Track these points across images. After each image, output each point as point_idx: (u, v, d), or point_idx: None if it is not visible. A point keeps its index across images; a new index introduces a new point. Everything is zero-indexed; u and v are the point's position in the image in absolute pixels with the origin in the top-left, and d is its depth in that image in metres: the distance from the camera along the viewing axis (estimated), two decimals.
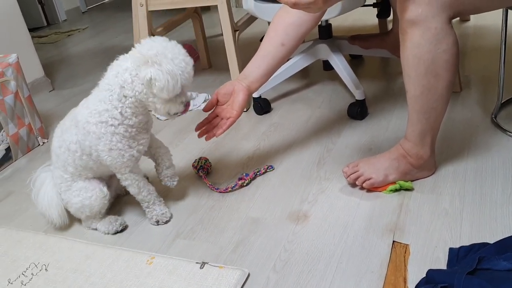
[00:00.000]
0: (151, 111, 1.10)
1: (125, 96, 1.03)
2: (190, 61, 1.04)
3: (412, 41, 1.03)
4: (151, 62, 0.99)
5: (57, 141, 1.16)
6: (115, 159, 1.09)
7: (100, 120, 1.05)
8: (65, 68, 2.73)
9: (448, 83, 1.07)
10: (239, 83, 1.22)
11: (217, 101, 1.23)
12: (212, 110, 1.24)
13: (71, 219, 1.27)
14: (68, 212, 1.23)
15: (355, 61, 2.09)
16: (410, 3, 0.99)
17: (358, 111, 1.57)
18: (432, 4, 0.98)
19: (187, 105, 1.09)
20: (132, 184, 1.16)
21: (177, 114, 1.08)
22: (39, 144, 1.77)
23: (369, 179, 1.18)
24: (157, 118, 1.82)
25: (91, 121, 1.06)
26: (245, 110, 1.78)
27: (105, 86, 1.05)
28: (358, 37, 1.81)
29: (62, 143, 1.14)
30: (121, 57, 1.05)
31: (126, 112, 1.05)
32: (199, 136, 1.24)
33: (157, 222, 1.20)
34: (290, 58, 1.76)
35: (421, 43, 1.01)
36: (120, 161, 1.09)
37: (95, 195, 1.17)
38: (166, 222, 1.20)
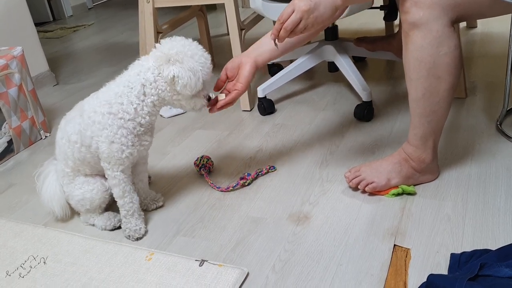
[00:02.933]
0: (156, 115, 1.11)
1: (145, 95, 1.05)
2: (208, 56, 1.07)
3: (413, 43, 1.03)
4: (173, 61, 1.02)
5: (60, 132, 1.16)
6: (113, 153, 1.07)
7: (109, 111, 1.05)
8: (70, 63, 2.73)
9: (450, 86, 1.06)
10: (246, 56, 1.20)
11: (227, 77, 1.21)
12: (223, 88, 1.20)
13: (72, 213, 1.26)
14: (70, 205, 1.23)
15: (358, 64, 2.09)
16: (412, 5, 0.99)
17: (365, 112, 1.56)
18: (433, 7, 0.98)
19: (209, 99, 1.12)
20: (118, 185, 1.12)
21: (201, 109, 1.11)
22: (42, 138, 1.77)
23: (371, 183, 1.17)
24: (160, 115, 1.82)
25: (99, 111, 1.06)
26: (249, 109, 1.78)
27: (124, 82, 1.06)
28: (364, 39, 1.81)
29: (64, 134, 1.14)
30: (143, 57, 1.07)
31: (142, 110, 1.06)
32: (207, 106, 1.16)
33: (128, 237, 1.15)
34: (295, 59, 1.76)
35: (423, 45, 1.01)
36: (117, 156, 1.07)
37: (96, 188, 1.16)
38: (138, 239, 1.14)
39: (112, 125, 1.05)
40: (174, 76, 1.02)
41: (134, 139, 1.08)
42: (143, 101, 1.06)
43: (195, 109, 1.11)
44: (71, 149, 1.12)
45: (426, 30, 1.00)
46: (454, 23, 1.04)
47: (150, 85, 1.05)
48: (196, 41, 1.07)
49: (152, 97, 1.06)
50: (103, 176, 1.19)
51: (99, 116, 1.06)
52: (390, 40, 1.78)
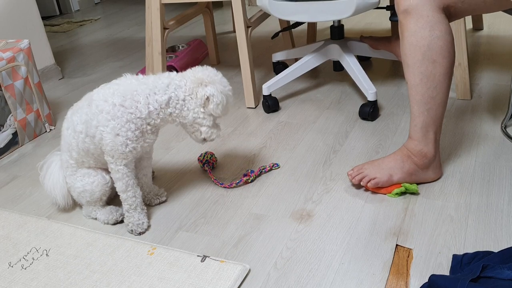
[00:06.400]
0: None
1: (167, 105, 1.08)
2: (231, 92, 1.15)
3: (408, 30, 1.10)
4: (205, 83, 1.09)
5: (66, 122, 1.16)
6: (116, 146, 1.07)
7: (122, 104, 1.05)
8: (76, 58, 2.73)
9: (445, 70, 1.10)
10: None
11: None
12: None
13: (75, 206, 1.27)
14: (72, 195, 1.23)
15: (363, 64, 2.09)
16: None
17: (370, 112, 1.56)
18: None
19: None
20: (121, 179, 1.12)
21: (213, 139, 1.16)
22: (46, 131, 1.78)
23: (373, 179, 1.18)
24: None
25: (110, 101, 1.06)
26: (253, 107, 1.78)
27: (148, 85, 1.08)
28: (369, 37, 1.82)
29: (70, 124, 1.14)
30: (175, 73, 1.12)
31: (157, 114, 1.09)
32: None
33: (132, 231, 1.15)
34: (301, 58, 1.75)
35: (416, 30, 1.09)
36: (121, 150, 1.07)
37: (97, 181, 1.17)
38: (140, 233, 1.15)
39: (120, 118, 1.05)
40: (209, 95, 1.08)
41: (139, 135, 1.09)
42: (162, 108, 1.08)
43: (208, 138, 1.15)
44: (75, 140, 1.13)
45: (418, 15, 1.08)
46: (447, 12, 1.10)
47: (177, 100, 1.09)
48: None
49: (175, 110, 1.09)
50: (105, 169, 1.19)
51: (109, 106, 1.06)
52: (392, 40, 1.78)
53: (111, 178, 1.19)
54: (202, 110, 1.11)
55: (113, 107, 1.05)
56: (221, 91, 1.10)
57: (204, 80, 1.09)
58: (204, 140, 1.17)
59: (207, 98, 1.09)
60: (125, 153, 1.08)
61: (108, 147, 1.08)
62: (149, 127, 1.10)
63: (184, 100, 1.09)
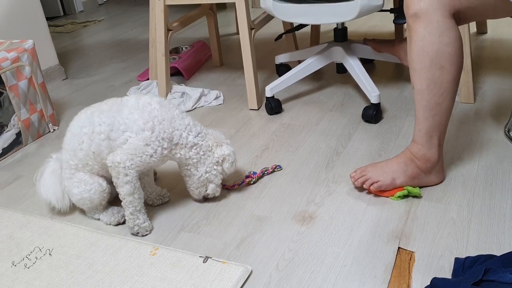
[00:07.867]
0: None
1: (190, 148, 1.14)
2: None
3: (417, 34, 1.08)
4: (221, 143, 1.18)
5: (81, 121, 1.14)
6: (141, 154, 1.08)
7: (160, 122, 1.10)
8: (79, 58, 2.74)
9: (453, 77, 1.09)
10: None
11: None
12: None
13: (75, 206, 1.27)
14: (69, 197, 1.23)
15: (366, 66, 2.08)
16: None
17: (373, 114, 1.56)
18: None
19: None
20: (130, 182, 1.11)
21: (212, 195, 1.24)
22: (50, 131, 1.78)
23: (376, 182, 1.18)
24: None
25: (150, 114, 1.10)
26: (256, 108, 1.79)
27: (186, 122, 1.14)
28: (372, 39, 1.82)
29: (87, 124, 1.13)
30: (203, 127, 1.19)
31: (178, 151, 1.14)
32: None
33: (137, 233, 1.15)
34: (304, 60, 1.76)
35: (425, 35, 1.07)
36: (144, 157, 1.09)
37: (94, 188, 1.16)
38: (146, 235, 1.15)
39: (157, 133, 1.09)
40: (226, 155, 1.18)
41: (165, 154, 1.12)
42: (186, 148, 1.14)
43: (212, 195, 1.24)
44: (91, 140, 1.12)
45: (427, 20, 1.06)
46: (456, 17, 1.08)
47: (199, 150, 1.15)
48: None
49: (194, 158, 1.16)
50: (102, 176, 1.18)
51: (148, 118, 1.09)
52: (396, 44, 1.78)
53: (108, 184, 1.18)
54: (215, 167, 1.18)
55: (153, 121, 1.09)
56: (233, 151, 1.20)
57: (221, 141, 1.19)
58: (205, 197, 1.24)
59: (224, 158, 1.18)
60: (144, 161, 1.10)
61: (130, 151, 1.08)
62: (170, 155, 1.14)
63: (204, 154, 1.16)
